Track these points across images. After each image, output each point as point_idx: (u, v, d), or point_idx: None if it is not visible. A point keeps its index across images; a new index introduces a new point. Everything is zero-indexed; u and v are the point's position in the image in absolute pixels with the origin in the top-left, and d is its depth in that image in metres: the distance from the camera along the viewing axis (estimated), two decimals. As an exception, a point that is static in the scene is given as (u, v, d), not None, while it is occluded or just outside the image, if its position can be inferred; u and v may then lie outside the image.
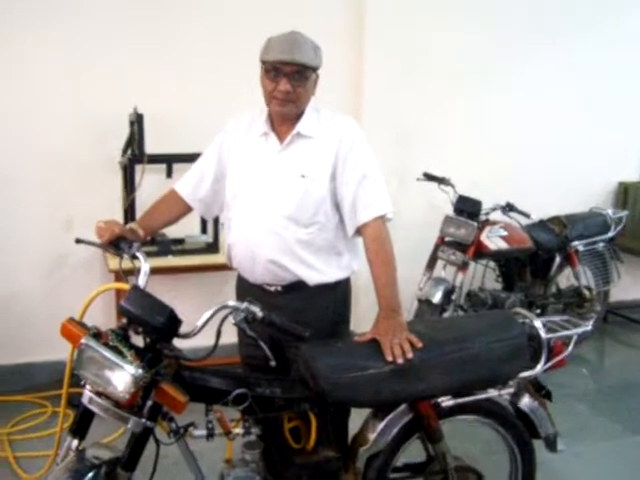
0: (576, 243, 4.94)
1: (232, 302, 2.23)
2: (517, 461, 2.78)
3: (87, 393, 2.23)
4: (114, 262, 3.72)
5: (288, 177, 2.53)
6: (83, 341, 2.14)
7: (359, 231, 2.56)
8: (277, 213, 2.52)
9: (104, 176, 4.09)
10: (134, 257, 2.43)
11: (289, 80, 2.45)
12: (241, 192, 2.60)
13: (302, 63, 2.44)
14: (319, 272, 2.58)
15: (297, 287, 2.59)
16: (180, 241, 4.04)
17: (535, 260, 4.89)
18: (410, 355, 2.37)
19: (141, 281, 2.30)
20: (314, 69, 2.51)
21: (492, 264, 4.86)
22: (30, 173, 4.08)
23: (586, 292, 5.13)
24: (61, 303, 3.76)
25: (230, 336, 2.48)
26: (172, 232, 3.94)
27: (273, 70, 2.45)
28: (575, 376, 4.59)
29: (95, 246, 2.50)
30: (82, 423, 2.31)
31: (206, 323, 2.19)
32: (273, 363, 2.31)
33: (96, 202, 4.04)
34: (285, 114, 2.53)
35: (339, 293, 2.69)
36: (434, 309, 4.34)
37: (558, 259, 4.99)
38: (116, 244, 2.47)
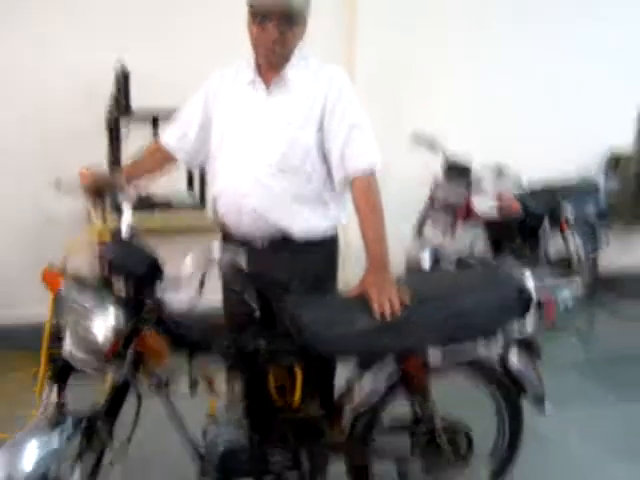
0: (566, 210, 4.89)
1: (217, 253, 2.18)
2: (504, 421, 2.76)
3: (67, 343, 2.18)
4: (99, 219, 3.64)
5: (275, 125, 2.47)
6: (63, 287, 2.08)
7: (347, 183, 2.50)
8: (263, 161, 2.45)
9: (90, 132, 3.98)
10: (117, 205, 2.37)
11: (276, 25, 2.37)
12: (226, 141, 2.53)
13: (290, 8, 2.36)
14: (306, 223, 2.52)
15: (283, 242, 2.53)
16: (166, 199, 3.96)
17: (525, 226, 4.84)
18: (398, 310, 2.32)
19: (123, 229, 2.24)
20: (303, 15, 2.43)
21: (481, 229, 4.80)
22: (14, 133, 4.00)
23: (575, 258, 5.09)
24: (44, 261, 3.69)
25: (213, 298, 2.43)
26: (158, 190, 3.87)
27: (260, 15, 2.37)
28: (564, 344, 4.57)
29: (78, 193, 2.43)
30: (62, 374, 2.26)
31: (190, 274, 2.14)
32: (257, 313, 2.27)
33: (82, 159, 3.87)
34: (272, 60, 2.46)
35: (326, 249, 2.63)
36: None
37: (548, 225, 4.94)
38: (99, 193, 2.41)
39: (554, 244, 5.08)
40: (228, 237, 2.64)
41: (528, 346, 2.70)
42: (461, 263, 4.65)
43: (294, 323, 2.36)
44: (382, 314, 2.31)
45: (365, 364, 2.53)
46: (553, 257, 5.11)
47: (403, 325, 2.34)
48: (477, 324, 2.45)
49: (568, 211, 4.89)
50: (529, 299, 2.53)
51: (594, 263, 5.27)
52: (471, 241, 4.79)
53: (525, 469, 2.88)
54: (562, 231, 4.95)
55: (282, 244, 2.52)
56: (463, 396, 2.79)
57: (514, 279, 2.57)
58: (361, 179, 2.45)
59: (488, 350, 2.57)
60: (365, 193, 2.46)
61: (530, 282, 2.56)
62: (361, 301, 2.38)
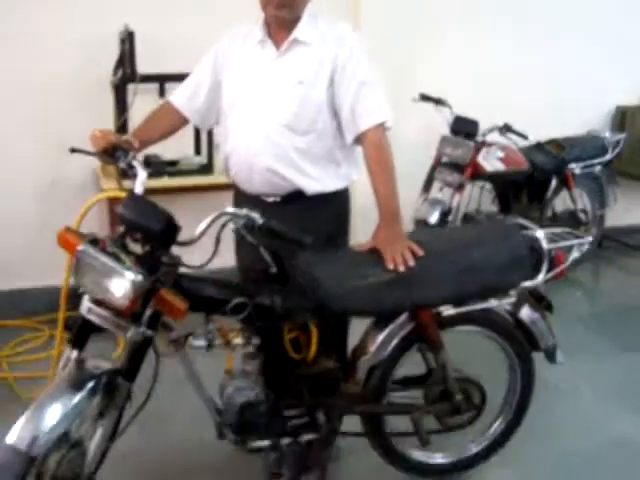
0: (573, 166, 4.89)
1: (231, 208, 2.20)
2: (516, 372, 2.79)
3: (85, 302, 2.20)
4: (107, 182, 3.66)
5: (285, 84, 2.47)
6: (80, 248, 2.10)
7: (358, 140, 2.51)
8: (275, 120, 2.46)
9: (96, 97, 3.99)
10: (130, 166, 2.37)
11: None
12: (238, 100, 2.54)
13: None
14: (317, 181, 2.54)
15: (295, 197, 2.55)
16: (174, 162, 3.97)
17: (531, 182, 4.84)
18: (411, 263, 2.35)
19: (138, 188, 2.25)
20: None
21: (488, 186, 4.81)
22: (20, 97, 3.98)
23: (582, 215, 5.11)
24: (55, 227, 3.70)
25: (226, 257, 2.45)
26: (166, 153, 3.88)
27: None
28: (570, 299, 4.59)
29: (90, 155, 2.44)
30: (81, 334, 2.29)
31: (206, 230, 2.15)
32: (274, 269, 2.29)
33: (88, 124, 3.85)
34: (281, 18, 2.46)
35: (338, 204, 2.66)
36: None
37: (554, 182, 4.94)
38: (112, 153, 2.41)
39: (561, 201, 5.10)
40: (240, 195, 2.66)
41: (539, 299, 2.73)
42: (468, 220, 4.68)
43: (307, 280, 2.38)
44: (395, 267, 2.33)
45: (381, 323, 2.55)
46: (560, 213, 5.13)
47: (416, 278, 2.36)
48: (489, 281, 2.47)
49: (575, 167, 4.89)
50: (540, 254, 2.56)
51: (601, 220, 5.29)
52: (478, 198, 4.80)
53: (534, 419, 2.92)
54: (569, 187, 4.96)
55: (294, 201, 2.54)
56: (474, 351, 2.84)
57: (525, 234, 2.59)
58: (372, 135, 2.46)
59: (500, 302, 2.59)
60: (376, 149, 2.47)
61: (540, 237, 2.58)
62: (373, 255, 2.40)
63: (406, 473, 2.82)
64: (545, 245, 2.57)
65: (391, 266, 2.35)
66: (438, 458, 2.84)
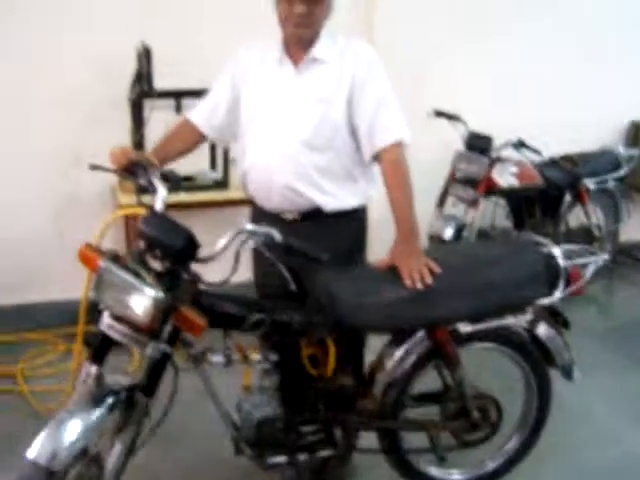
0: (587, 181, 4.88)
1: (251, 226, 2.21)
2: (533, 389, 2.79)
3: (106, 319, 2.21)
4: (125, 198, 3.69)
5: (304, 102, 2.49)
6: (102, 264, 2.12)
7: (376, 157, 2.52)
8: (294, 138, 2.48)
9: (112, 113, 4.02)
10: (150, 182, 2.40)
11: (304, 1, 2.38)
12: (257, 117, 2.56)
13: None
14: (335, 198, 2.56)
15: (313, 215, 2.56)
16: (190, 178, 3.99)
17: (545, 198, 4.84)
18: (429, 280, 2.36)
19: (158, 205, 2.28)
20: None
21: (502, 201, 4.82)
22: (37, 112, 4.00)
23: (596, 231, 5.10)
24: (72, 241, 3.72)
25: (243, 273, 2.47)
26: (181, 168, 3.90)
27: None
28: (584, 315, 4.57)
29: (110, 172, 2.46)
30: (101, 349, 2.31)
31: (225, 247, 2.17)
32: (293, 286, 2.31)
33: (105, 140, 3.89)
34: (300, 37, 2.48)
35: (356, 221, 2.67)
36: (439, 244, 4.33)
37: (568, 197, 4.94)
38: (131, 170, 2.44)
39: (574, 216, 5.10)
40: (257, 212, 2.68)
41: (555, 315, 2.73)
42: (483, 235, 4.68)
43: (325, 296, 2.40)
44: (412, 284, 2.35)
45: (398, 338, 2.56)
46: (574, 229, 5.12)
47: (433, 295, 2.37)
48: (506, 297, 2.48)
49: (589, 182, 4.89)
50: (557, 271, 2.56)
51: (615, 235, 5.28)
52: (492, 214, 4.81)
53: (551, 435, 2.92)
54: (583, 203, 4.96)
55: (312, 218, 2.56)
56: (490, 368, 2.84)
57: (541, 251, 2.59)
58: (389, 152, 2.48)
59: (516, 319, 2.60)
60: (393, 166, 2.48)
61: (557, 253, 2.58)
62: (391, 272, 2.41)
63: (422, 490, 2.82)
64: (561, 262, 2.58)
65: (409, 283, 2.36)
66: (454, 474, 2.84)
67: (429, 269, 2.39)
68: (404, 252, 2.43)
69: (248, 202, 2.80)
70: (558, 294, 2.58)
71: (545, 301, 2.58)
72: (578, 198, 4.94)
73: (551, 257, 2.57)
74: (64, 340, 4.00)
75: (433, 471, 2.79)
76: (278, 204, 2.57)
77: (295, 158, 2.49)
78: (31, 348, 3.97)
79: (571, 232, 5.11)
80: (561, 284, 2.57)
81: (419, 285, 2.35)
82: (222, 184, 4.01)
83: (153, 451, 2.49)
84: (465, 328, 2.53)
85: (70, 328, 3.41)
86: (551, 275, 2.55)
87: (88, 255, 2.20)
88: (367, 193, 2.66)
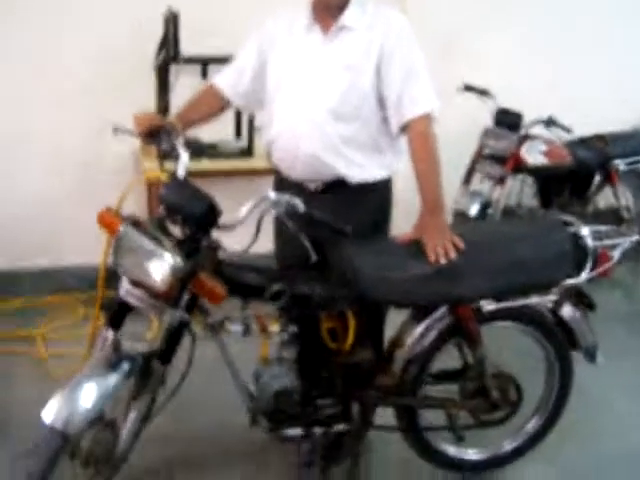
0: (617, 162, 4.77)
1: (274, 194, 2.17)
2: (554, 371, 2.74)
3: (124, 284, 2.20)
4: (148, 163, 3.65)
5: (332, 69, 2.44)
6: (121, 228, 2.10)
7: (404, 129, 2.46)
8: (321, 106, 2.43)
9: (138, 79, 3.97)
10: (173, 148, 2.36)
11: None
12: (284, 84, 2.50)
13: None
14: (360, 169, 2.50)
15: (337, 186, 2.51)
16: (214, 145, 3.95)
17: (574, 178, 4.74)
18: (452, 256, 2.31)
19: (180, 171, 2.24)
20: None
21: (530, 180, 4.74)
22: (62, 78, 3.99)
23: (625, 212, 5.00)
24: (94, 206, 3.70)
25: (266, 243, 2.43)
26: (206, 136, 3.87)
27: None
28: (609, 298, 4.49)
29: (133, 136, 2.43)
30: (118, 315, 2.29)
31: (248, 215, 2.14)
32: (314, 257, 2.27)
33: (130, 105, 3.87)
34: (329, 3, 2.42)
35: (380, 194, 2.62)
36: (466, 222, 4.27)
37: (598, 178, 4.83)
38: (154, 135, 2.40)
39: (603, 197, 5.00)
40: (281, 181, 2.63)
41: (580, 297, 2.67)
42: (508, 214, 4.61)
43: (348, 268, 2.36)
44: (436, 259, 2.30)
45: (419, 315, 2.52)
46: (602, 210, 5.03)
47: (457, 271, 2.32)
48: (532, 276, 2.42)
49: (619, 163, 4.79)
50: (585, 251, 2.50)
51: (645, 217, 5.18)
52: (519, 192, 4.73)
53: (572, 419, 2.88)
54: (612, 184, 4.86)
55: (336, 189, 2.51)
56: (512, 347, 2.80)
57: (569, 230, 2.53)
58: (417, 124, 2.42)
59: (541, 299, 2.55)
60: (421, 138, 2.43)
61: (586, 234, 2.52)
62: (414, 246, 2.37)
63: (438, 468, 2.79)
64: (590, 242, 2.51)
65: (432, 258, 2.31)
66: (471, 454, 2.80)
67: (454, 245, 2.34)
68: (429, 226, 2.39)
69: (272, 172, 2.75)
70: (585, 275, 2.52)
71: (571, 282, 2.52)
72: (608, 179, 4.84)
73: (579, 237, 2.51)
74: (84, 305, 3.99)
75: (450, 450, 2.76)
76: (302, 173, 2.52)
77: (321, 127, 2.43)
78: (51, 312, 3.97)
79: (599, 213, 5.01)
80: (588, 265, 2.51)
81: (443, 260, 2.30)
82: (247, 153, 3.96)
83: (167, 419, 2.48)
84: (488, 306, 2.47)
85: (91, 293, 3.39)
86: (579, 255, 2.49)
87: (107, 219, 2.17)
88: (393, 165, 2.60)
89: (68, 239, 4.15)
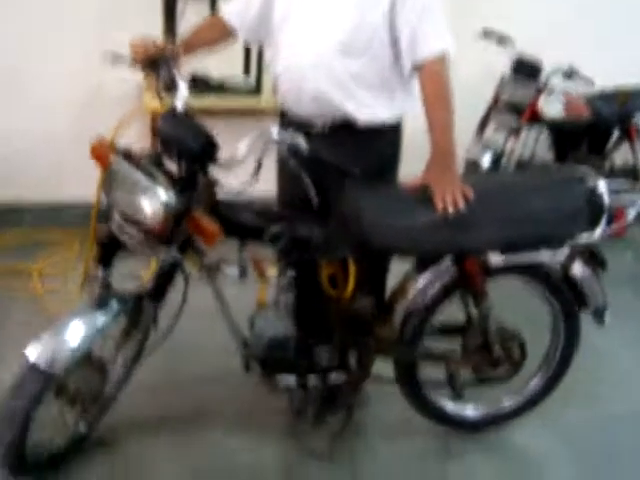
0: (638, 118, 4.63)
1: (275, 129, 2.05)
2: (560, 330, 2.65)
3: (115, 219, 2.11)
4: (152, 97, 3.52)
5: (342, 1, 2.28)
6: (113, 162, 1.99)
7: (416, 69, 2.32)
8: (329, 39, 2.28)
9: (144, 6, 3.83)
10: (172, 78, 2.23)
11: None
12: (292, 16, 2.35)
13: None
14: (369, 109, 2.37)
15: (344, 126, 2.38)
16: (221, 82, 3.81)
17: (592, 133, 4.60)
18: (461, 205, 2.20)
19: (179, 103, 2.12)
20: None
21: (545, 133, 4.59)
22: (68, 5, 3.83)
23: (642, 170, 4.86)
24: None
25: (267, 184, 2.32)
26: (213, 72, 3.73)
27: None
28: (619, 260, 4.36)
29: (130, 64, 2.30)
30: (108, 252, 2.20)
31: (248, 151, 2.02)
32: (316, 201, 2.16)
33: (135, 35, 3.80)
34: None
35: (389, 137, 2.49)
36: (477, 171, 4.14)
37: (616, 134, 4.69)
38: (153, 64, 2.27)
39: (620, 154, 4.85)
40: (287, 120, 2.51)
41: (592, 255, 2.56)
42: (522, 166, 4.48)
43: (351, 213, 2.25)
44: (444, 208, 2.19)
45: (423, 265, 2.42)
46: (618, 168, 4.89)
47: (466, 221, 2.21)
48: (544, 230, 2.31)
49: (640, 119, 4.64)
50: (600, 207, 2.38)
51: (661, 176, 5.03)
52: (533, 144, 4.58)
53: (575, 381, 2.79)
54: (631, 140, 4.70)
55: (343, 130, 2.38)
56: (517, 303, 2.70)
57: (586, 184, 2.41)
58: (431, 64, 2.28)
59: (551, 256, 2.44)
60: (434, 79, 2.29)
61: (603, 189, 2.40)
62: (423, 194, 2.25)
63: (435, 423, 2.72)
64: (607, 198, 2.39)
65: (440, 207, 2.20)
66: (470, 410, 2.73)
67: (463, 194, 2.22)
68: (438, 173, 2.27)
69: (280, 110, 2.62)
70: (599, 232, 2.41)
71: (584, 238, 2.41)
72: (627, 135, 4.69)
73: (596, 192, 2.39)
74: (83, 241, 3.90)
75: (448, 405, 2.68)
76: (308, 111, 2.38)
77: (328, 61, 2.29)
78: (50, 248, 3.90)
79: (615, 170, 4.86)
80: (604, 222, 2.40)
81: (451, 209, 2.19)
82: (254, 91, 3.83)
83: (158, 364, 2.41)
84: (496, 259, 2.37)
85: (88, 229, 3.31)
86: (594, 211, 2.37)
87: (100, 151, 2.07)
88: (404, 108, 2.47)
89: (68, 173, 4.05)
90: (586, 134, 4.59)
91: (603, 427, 2.88)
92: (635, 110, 4.58)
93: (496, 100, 4.36)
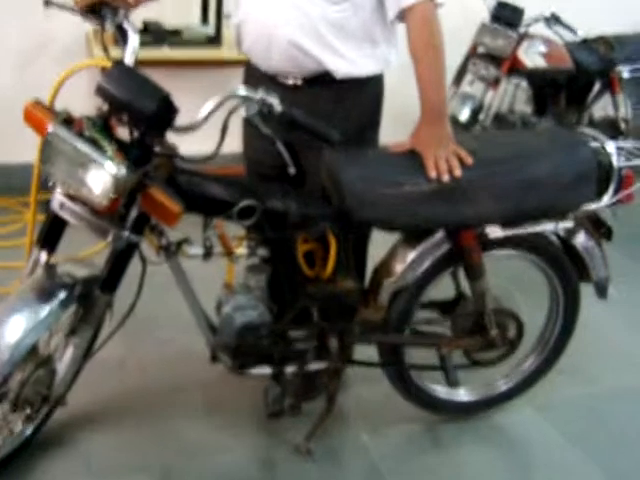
0: (621, 68, 4.38)
1: (244, 90, 1.75)
2: (558, 305, 2.41)
3: (57, 197, 1.81)
4: (100, 50, 3.17)
5: None
6: (50, 129, 1.67)
7: (403, 15, 2.02)
8: None
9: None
10: (120, 28, 1.90)
11: None
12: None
13: None
14: (349, 62, 2.05)
15: (320, 81, 2.07)
16: (176, 31, 3.48)
17: (573, 84, 4.34)
18: (458, 172, 1.93)
19: (128, 57, 1.79)
20: None
21: (525, 84, 4.33)
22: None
23: (622, 124, 4.63)
24: (39, 97, 3.27)
25: (232, 143, 2.02)
26: (167, 21, 3.40)
27: None
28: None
29: (69, 11, 1.96)
30: (52, 233, 1.90)
31: (210, 114, 1.72)
32: (292, 170, 1.88)
33: None
34: None
35: (370, 91, 2.18)
36: (459, 128, 3.87)
37: (598, 85, 4.45)
38: (97, 11, 1.94)
39: (600, 106, 4.62)
40: (252, 74, 2.19)
41: (597, 224, 2.32)
42: (499, 120, 4.22)
43: (331, 183, 1.97)
44: (437, 175, 1.92)
45: (412, 240, 2.15)
46: (598, 120, 4.66)
47: (463, 191, 1.95)
48: (550, 198, 2.05)
49: (622, 70, 4.38)
50: (609, 172, 2.13)
51: (640, 131, 4.81)
52: (512, 97, 4.32)
53: (566, 356, 2.55)
54: (613, 92, 4.47)
55: (318, 84, 2.07)
56: (510, 279, 2.46)
57: (593, 147, 2.15)
58: (421, 9, 1.97)
59: (556, 225, 2.19)
60: (424, 26, 1.99)
61: (612, 151, 2.15)
62: (412, 159, 1.97)
63: (423, 409, 2.47)
64: (616, 162, 2.14)
65: (433, 174, 1.92)
66: (461, 395, 2.48)
67: (459, 159, 1.95)
68: (429, 136, 1.99)
69: (243, 63, 2.30)
70: (607, 199, 2.16)
71: (592, 207, 2.16)
72: (608, 86, 4.45)
73: (604, 155, 2.14)
74: (28, 208, 3.57)
75: (438, 390, 2.44)
76: (278, 65, 2.06)
77: (303, 7, 1.97)
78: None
79: (594, 123, 4.64)
80: (612, 188, 2.15)
81: (446, 177, 1.92)
82: (213, 41, 3.52)
83: (117, 343, 2.12)
84: (495, 232, 2.11)
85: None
86: (601, 177, 2.12)
87: (35, 115, 1.76)
88: (387, 59, 2.16)
89: (12, 135, 3.68)
90: (566, 86, 4.34)
91: (594, 407, 2.68)
92: (618, 60, 4.35)
93: (474, 49, 4.11)
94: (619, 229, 2.78)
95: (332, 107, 2.08)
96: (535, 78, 4.24)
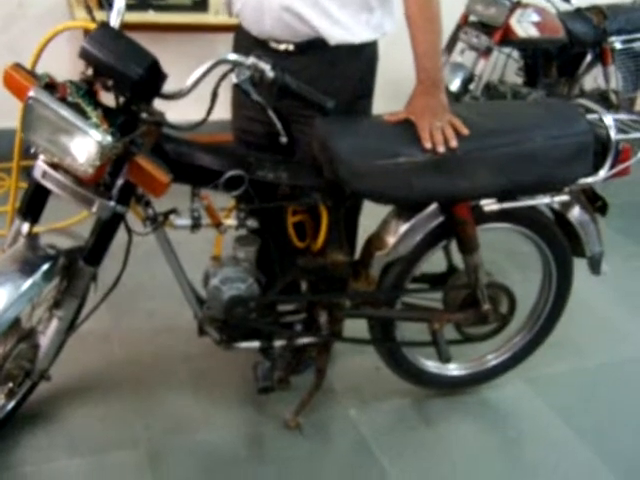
0: (614, 39, 4.31)
1: (234, 55, 1.68)
2: (551, 280, 2.38)
3: (40, 165, 1.74)
4: (82, 11, 3.08)
5: None
6: (32, 94, 1.59)
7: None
8: None
9: None
10: (104, -11, 1.83)
11: None
12: None
13: None
14: (343, 28, 1.99)
15: (314, 47, 2.00)
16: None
17: (565, 54, 4.29)
18: (454, 143, 1.87)
19: (113, 19, 1.71)
20: None
21: (516, 54, 4.27)
22: None
23: (613, 96, 4.58)
24: (19, 61, 3.17)
25: (220, 110, 1.95)
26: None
27: None
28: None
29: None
30: (34, 202, 1.83)
31: (199, 81, 1.66)
32: (284, 139, 1.81)
33: None
34: None
35: (364, 59, 2.11)
36: (450, 98, 3.81)
37: (590, 56, 4.39)
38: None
39: (591, 78, 4.57)
40: (243, 39, 2.11)
41: (592, 198, 2.27)
42: (490, 90, 4.17)
43: (323, 152, 1.91)
44: (433, 146, 1.86)
45: (405, 212, 2.10)
46: (588, 91, 4.61)
47: (458, 163, 1.89)
48: (547, 171, 2.00)
49: (615, 40, 4.32)
50: (606, 145, 2.09)
51: (631, 103, 4.77)
52: (503, 67, 4.26)
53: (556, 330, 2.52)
54: (605, 63, 4.41)
55: (312, 51, 2.01)
56: (502, 253, 2.42)
57: (590, 119, 2.10)
58: (417, -25, 1.91)
59: (551, 199, 2.14)
60: (420, -6, 1.92)
61: (610, 124, 2.10)
62: (406, 129, 1.91)
63: (413, 384, 2.44)
64: (613, 135, 2.09)
65: (428, 145, 1.86)
66: (452, 370, 2.45)
67: (455, 129, 1.89)
68: (425, 105, 1.93)
69: (232, 28, 2.23)
70: (603, 173, 2.12)
71: (588, 180, 2.11)
72: (600, 57, 4.39)
73: (602, 127, 2.09)
74: (9, 175, 3.48)
75: (428, 364, 2.41)
76: (271, 30, 1.99)
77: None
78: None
79: (585, 95, 4.59)
80: (609, 161, 2.10)
81: (441, 148, 1.86)
82: (200, 5, 3.42)
83: (102, 314, 2.07)
84: (490, 206, 2.06)
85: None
86: (598, 150, 2.07)
87: (16, 79, 1.68)
88: (383, 26, 2.09)
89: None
90: (558, 56, 4.28)
91: (584, 381, 2.67)
92: (611, 31, 4.28)
93: (465, 18, 4.04)
94: (610, 203, 2.76)
95: (325, 74, 2.02)
96: (527, 48, 4.19)
